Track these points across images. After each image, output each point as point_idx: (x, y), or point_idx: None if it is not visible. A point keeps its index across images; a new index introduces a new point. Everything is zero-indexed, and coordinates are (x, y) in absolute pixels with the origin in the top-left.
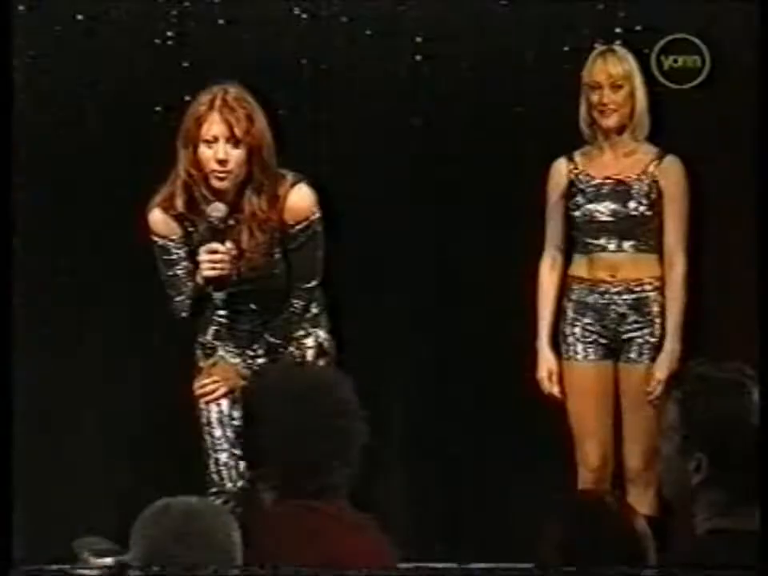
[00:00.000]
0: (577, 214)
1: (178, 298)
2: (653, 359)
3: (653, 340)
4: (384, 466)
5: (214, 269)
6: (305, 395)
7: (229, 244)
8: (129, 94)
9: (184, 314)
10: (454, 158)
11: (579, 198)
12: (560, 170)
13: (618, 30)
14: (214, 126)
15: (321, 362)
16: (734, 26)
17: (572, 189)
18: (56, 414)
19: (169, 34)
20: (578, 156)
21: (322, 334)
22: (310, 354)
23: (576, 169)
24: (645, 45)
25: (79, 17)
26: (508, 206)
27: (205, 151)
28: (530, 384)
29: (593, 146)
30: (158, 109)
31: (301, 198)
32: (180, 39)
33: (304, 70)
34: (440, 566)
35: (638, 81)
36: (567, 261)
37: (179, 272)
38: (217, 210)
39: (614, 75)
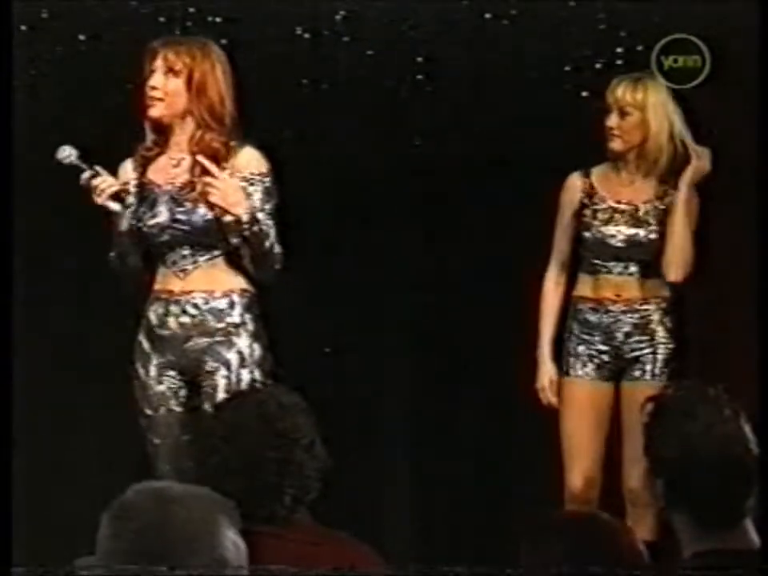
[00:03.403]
0: (587, 234)
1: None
2: (655, 379)
3: (657, 360)
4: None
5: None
6: (243, 427)
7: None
8: (130, 113)
9: (111, 259)
10: (455, 177)
11: (591, 219)
12: (574, 186)
13: (620, 39)
14: (156, 59)
15: (244, 372)
16: (734, 26)
17: (584, 208)
18: (57, 423)
19: None
20: (594, 174)
21: (246, 344)
22: (232, 363)
23: (591, 187)
24: (645, 45)
25: (81, 37)
26: (509, 224)
27: (147, 81)
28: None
29: (609, 165)
30: None
31: (252, 154)
32: None
33: (305, 89)
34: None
35: (655, 116)
36: (572, 277)
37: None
38: (63, 151)
39: (621, 101)
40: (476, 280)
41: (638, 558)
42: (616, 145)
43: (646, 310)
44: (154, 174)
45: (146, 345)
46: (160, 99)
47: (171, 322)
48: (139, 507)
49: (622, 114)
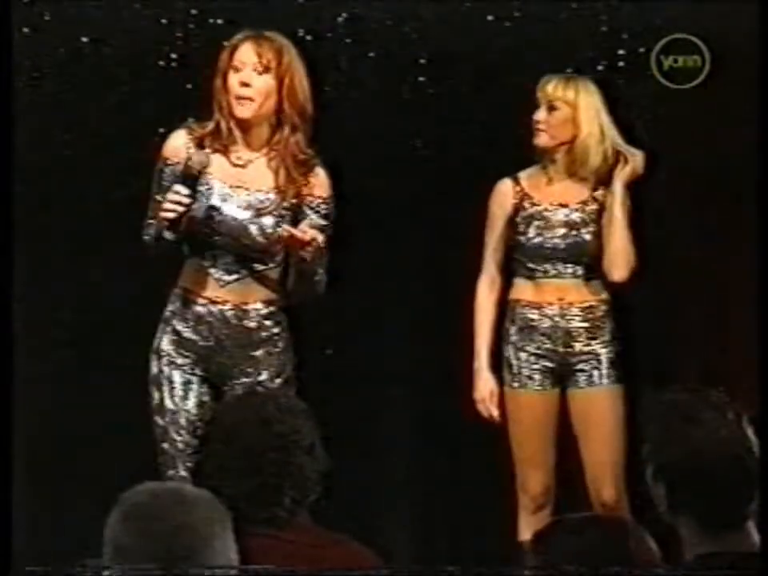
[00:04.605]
0: (522, 239)
1: (150, 220)
2: (603, 384)
3: (602, 364)
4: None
5: (167, 210)
6: (243, 429)
7: (185, 190)
8: (132, 116)
9: (147, 240)
10: (456, 179)
11: (525, 224)
12: (505, 192)
13: (621, 41)
14: (243, 53)
15: (277, 381)
16: (734, 26)
17: (518, 214)
18: (57, 423)
19: (173, 56)
20: (523, 179)
21: (275, 353)
22: (264, 374)
23: (522, 192)
24: (645, 45)
25: (84, 39)
26: None
27: (232, 78)
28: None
29: (537, 168)
30: (161, 130)
31: (323, 179)
32: (184, 61)
33: None
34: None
35: (587, 116)
36: (506, 283)
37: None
38: (199, 161)
39: (550, 95)
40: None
41: (650, 557)
42: (541, 140)
43: (588, 313)
44: (216, 166)
45: (171, 350)
46: (249, 98)
47: (205, 331)
48: (161, 508)
49: (551, 108)
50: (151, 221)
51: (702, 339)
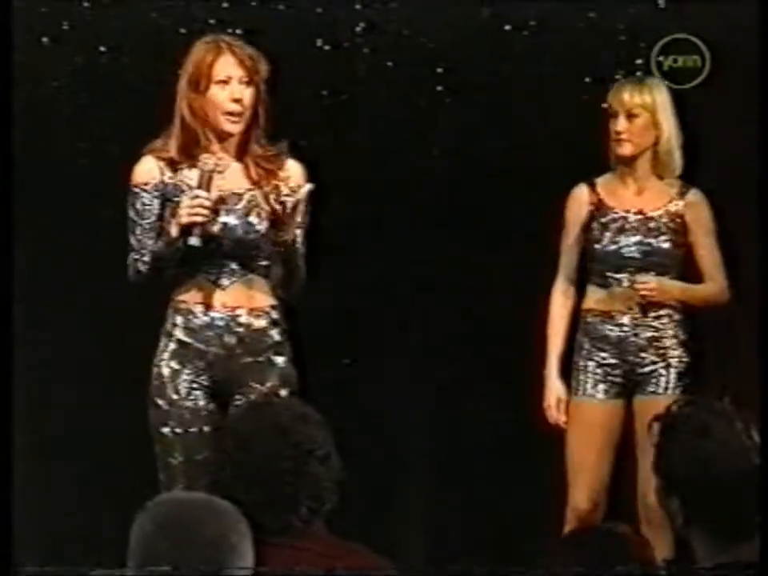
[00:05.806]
0: (598, 246)
1: (137, 253)
2: (672, 391)
3: (671, 374)
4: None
5: (190, 215)
6: (258, 438)
7: (213, 194)
8: (150, 124)
9: (143, 269)
10: (474, 188)
11: (601, 231)
12: (581, 198)
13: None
14: (228, 66)
15: (282, 391)
16: (734, 26)
17: (593, 220)
18: (57, 423)
19: None
20: (600, 185)
21: (280, 360)
22: (270, 382)
23: (598, 199)
24: (645, 45)
25: (102, 48)
26: (529, 236)
27: (218, 93)
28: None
29: (614, 174)
30: None
31: (297, 169)
32: None
33: (325, 100)
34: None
35: (665, 116)
36: (580, 291)
37: (150, 221)
38: (212, 163)
39: (628, 103)
40: (494, 290)
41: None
42: (625, 149)
43: (659, 322)
44: (193, 176)
45: (175, 360)
46: (240, 113)
47: (213, 338)
48: (196, 520)
49: (630, 116)
50: (140, 253)
51: (703, 340)
